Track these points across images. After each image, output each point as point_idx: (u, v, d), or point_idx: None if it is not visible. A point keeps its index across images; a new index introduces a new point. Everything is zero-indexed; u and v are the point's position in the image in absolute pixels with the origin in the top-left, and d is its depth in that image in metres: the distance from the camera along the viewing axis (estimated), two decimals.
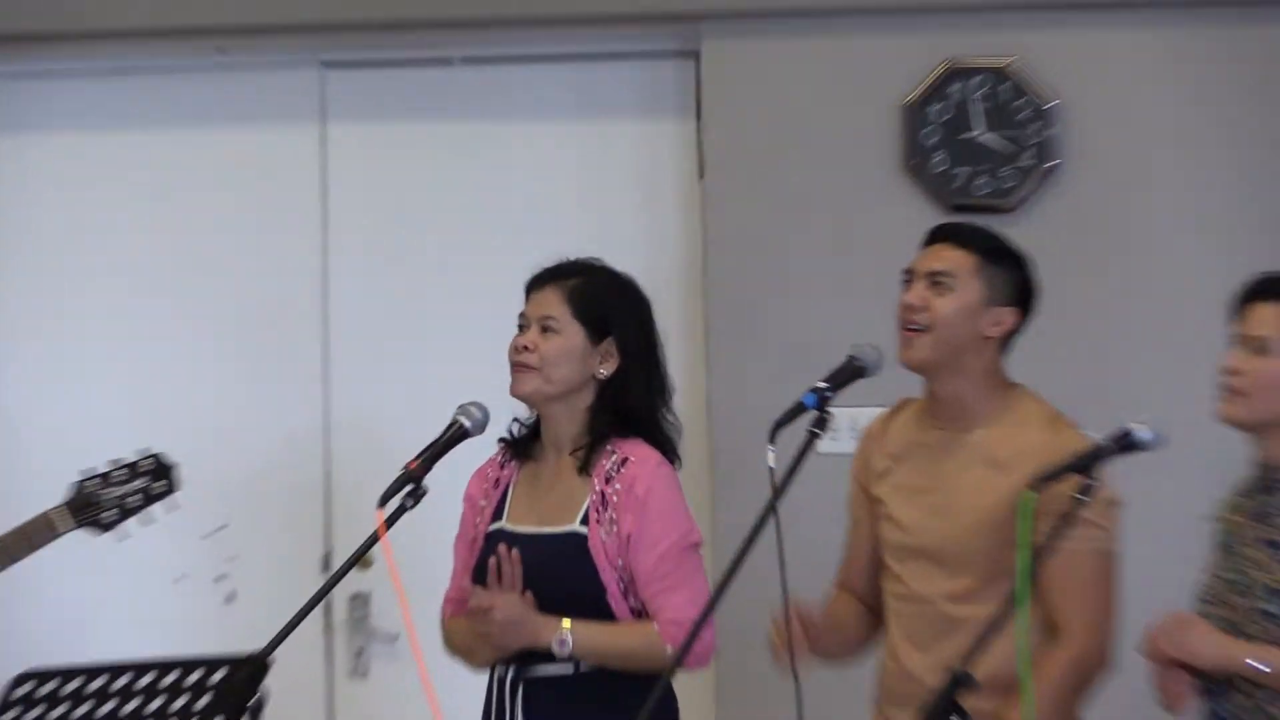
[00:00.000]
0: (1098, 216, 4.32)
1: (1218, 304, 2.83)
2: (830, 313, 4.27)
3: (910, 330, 2.93)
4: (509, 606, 2.93)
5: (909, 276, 2.95)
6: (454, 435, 2.86)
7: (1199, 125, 4.31)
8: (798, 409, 2.67)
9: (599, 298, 3.17)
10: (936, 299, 2.92)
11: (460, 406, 2.94)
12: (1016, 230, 3.42)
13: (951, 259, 2.94)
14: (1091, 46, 4.31)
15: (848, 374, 2.77)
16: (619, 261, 3.30)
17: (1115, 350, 4.28)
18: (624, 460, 3.08)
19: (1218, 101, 4.27)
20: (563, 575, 3.04)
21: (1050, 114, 4.31)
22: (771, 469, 2.57)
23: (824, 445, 2.69)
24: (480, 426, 2.92)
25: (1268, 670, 2.51)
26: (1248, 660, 2.53)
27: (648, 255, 4.34)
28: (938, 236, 3.02)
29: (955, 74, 4.36)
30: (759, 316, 4.38)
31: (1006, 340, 2.99)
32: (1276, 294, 2.69)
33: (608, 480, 3.07)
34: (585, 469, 3.09)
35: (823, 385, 2.69)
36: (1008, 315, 2.95)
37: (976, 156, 4.35)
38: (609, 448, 3.10)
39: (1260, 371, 2.62)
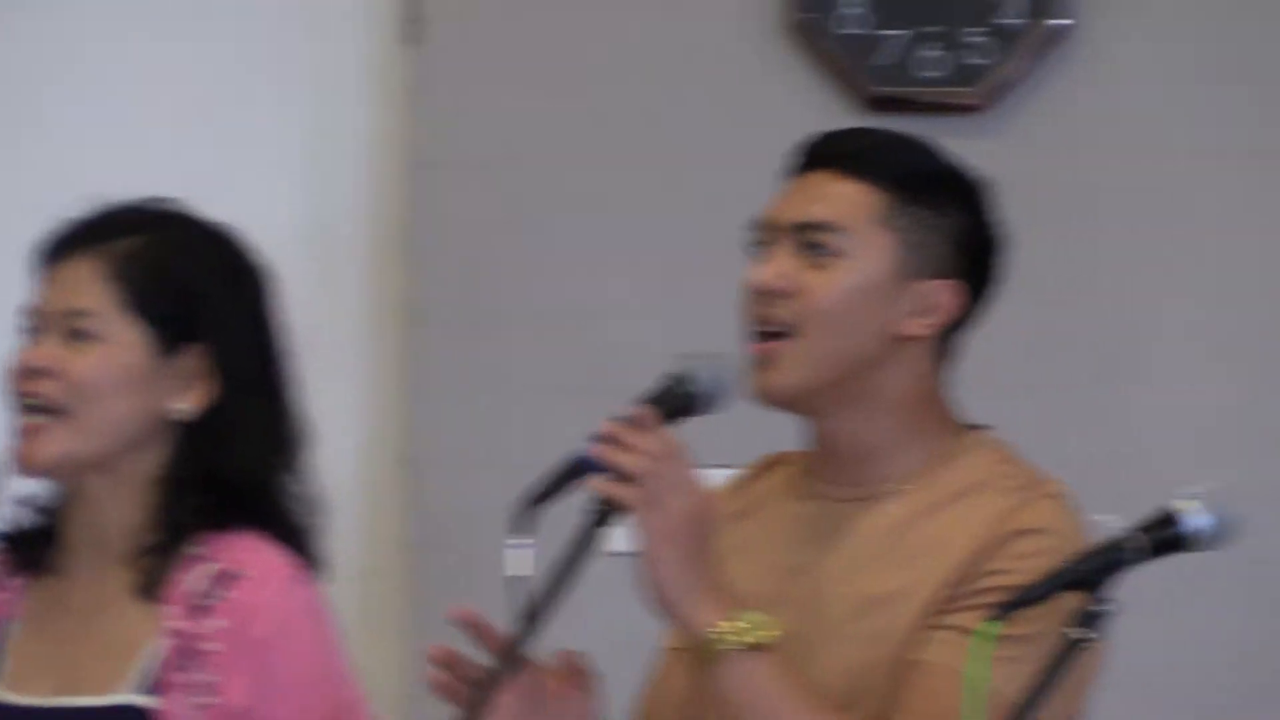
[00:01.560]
0: (1133, 118, 3.70)
1: None
2: (631, 298, 3.76)
3: (765, 339, 2.31)
4: None
5: (762, 237, 2.37)
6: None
7: None
8: (567, 473, 2.15)
9: (175, 272, 2.56)
10: (813, 275, 2.33)
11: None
12: (992, 146, 3.39)
13: (839, 200, 2.33)
14: None
15: (670, 405, 2.21)
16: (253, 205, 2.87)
17: (1143, 351, 3.73)
18: (228, 575, 2.46)
19: None
20: None
21: None
22: (521, 579, 2.09)
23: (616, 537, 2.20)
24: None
25: None
26: None
27: (303, 191, 3.91)
28: (813, 160, 2.38)
29: None
30: (498, 301, 3.87)
31: (947, 340, 2.37)
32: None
33: (197, 612, 2.43)
34: (151, 591, 2.42)
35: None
36: (946, 295, 2.33)
37: (921, 8, 3.73)
38: (197, 550, 2.49)
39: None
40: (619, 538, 2.18)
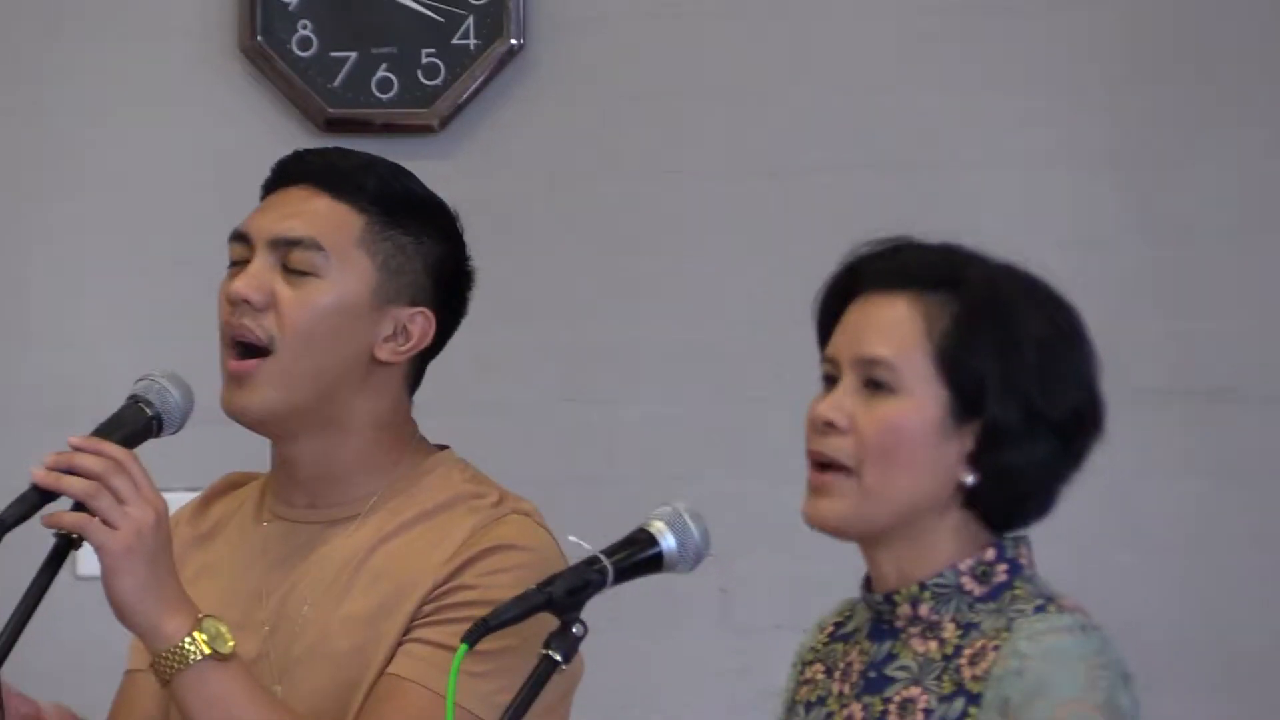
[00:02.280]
0: (588, 136, 3.78)
1: (786, 291, 2.91)
2: (101, 322, 3.72)
3: (241, 354, 2.28)
4: None
5: (242, 246, 2.33)
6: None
7: None
8: (31, 501, 2.12)
9: None
10: (290, 290, 2.31)
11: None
12: (443, 166, 3.40)
13: (319, 217, 2.31)
14: None
15: (129, 427, 2.23)
16: None
17: (612, 371, 3.76)
18: None
19: None
20: None
21: None
22: None
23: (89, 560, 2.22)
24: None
25: None
26: None
27: None
28: (293, 175, 2.37)
29: None
30: None
31: (419, 365, 2.40)
32: (903, 280, 2.17)
33: None
34: None
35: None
36: (417, 322, 2.35)
37: (374, 29, 3.74)
38: None
39: (878, 425, 2.13)
40: (91, 561, 2.17)
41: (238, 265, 2.31)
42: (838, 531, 2.15)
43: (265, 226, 2.31)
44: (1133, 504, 3.43)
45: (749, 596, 3.54)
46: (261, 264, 2.29)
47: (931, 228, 2.49)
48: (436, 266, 2.35)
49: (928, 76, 3.83)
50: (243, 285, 2.28)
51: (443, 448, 2.41)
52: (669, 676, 3.50)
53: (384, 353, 2.31)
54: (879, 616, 2.19)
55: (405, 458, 2.38)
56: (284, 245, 2.29)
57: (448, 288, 2.37)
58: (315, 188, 2.32)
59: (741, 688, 3.32)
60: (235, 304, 2.27)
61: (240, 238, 2.32)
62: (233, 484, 2.49)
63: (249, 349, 2.28)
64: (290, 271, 2.29)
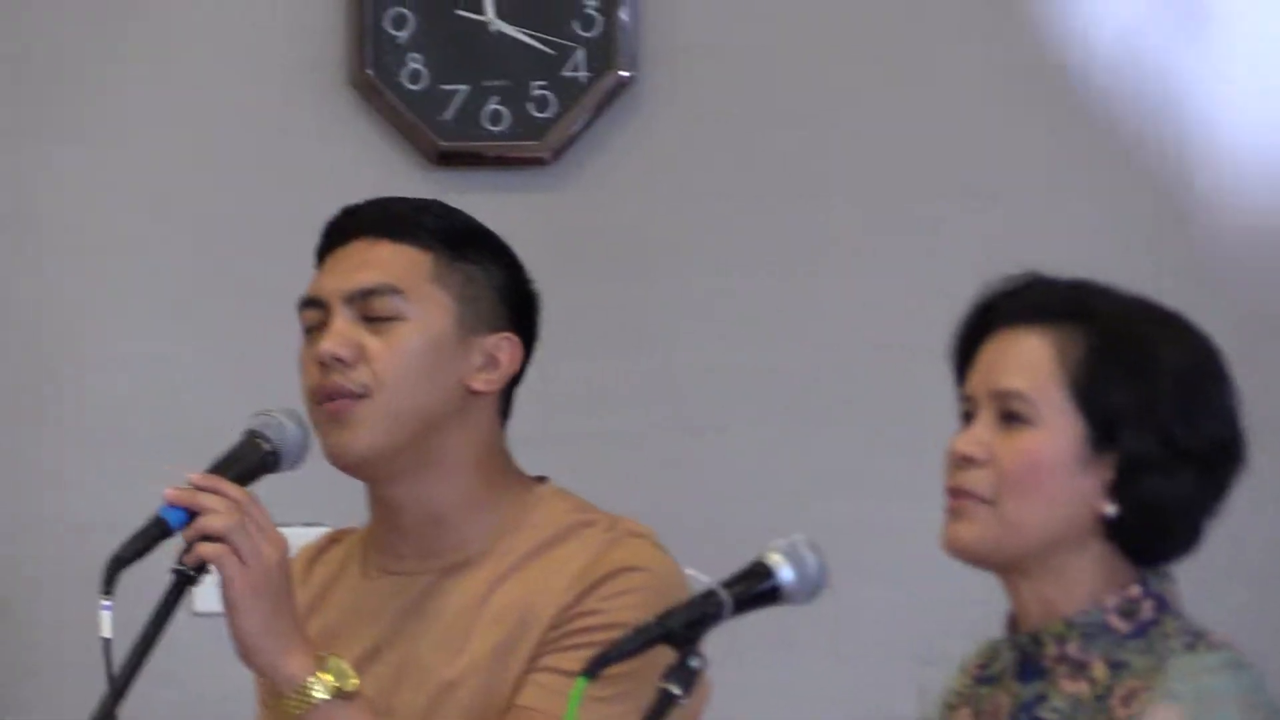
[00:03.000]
0: (704, 170, 3.73)
1: (917, 327, 3.08)
2: (205, 359, 3.70)
3: (336, 402, 2.34)
4: None
5: (317, 310, 2.36)
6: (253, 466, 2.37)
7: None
8: (154, 533, 2.18)
9: None
10: (373, 338, 2.35)
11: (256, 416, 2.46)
12: (559, 199, 3.61)
13: (389, 261, 2.38)
14: None
15: (247, 463, 2.27)
16: None
17: (731, 400, 3.73)
18: None
19: None
20: None
21: None
22: (108, 640, 2.11)
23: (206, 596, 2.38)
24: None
25: None
26: None
27: None
28: (347, 230, 2.42)
29: None
30: (69, 352, 3.76)
31: (507, 395, 2.44)
32: (1039, 314, 2.23)
33: None
34: None
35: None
36: (504, 348, 2.39)
37: (484, 62, 3.70)
38: None
39: (1017, 457, 2.19)
40: (209, 597, 2.28)
41: (314, 331, 2.34)
42: (976, 558, 2.20)
43: (337, 284, 2.35)
44: (1242, 540, 3.33)
45: (861, 625, 3.45)
46: (342, 321, 2.32)
47: (1050, 262, 2.42)
48: (506, 291, 2.39)
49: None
50: (331, 344, 2.30)
51: (541, 479, 2.42)
52: (782, 706, 3.49)
53: (478, 383, 2.35)
54: (1026, 657, 2.21)
55: (508, 493, 2.40)
56: (361, 297, 2.32)
57: (521, 311, 2.41)
58: (374, 237, 2.37)
59: (855, 717, 3.32)
60: (325, 364, 2.30)
61: (311, 303, 2.35)
62: (332, 540, 2.53)
63: (348, 395, 2.32)
64: (373, 320, 2.32)
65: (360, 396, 2.34)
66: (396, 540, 2.43)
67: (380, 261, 2.38)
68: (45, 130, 3.80)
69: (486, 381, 2.38)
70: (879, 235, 3.66)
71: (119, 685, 2.16)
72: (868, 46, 3.79)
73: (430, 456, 2.39)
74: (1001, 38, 3.85)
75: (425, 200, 2.53)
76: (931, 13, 3.76)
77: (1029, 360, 2.19)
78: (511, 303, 2.44)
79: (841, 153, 3.78)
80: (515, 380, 2.44)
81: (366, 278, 2.36)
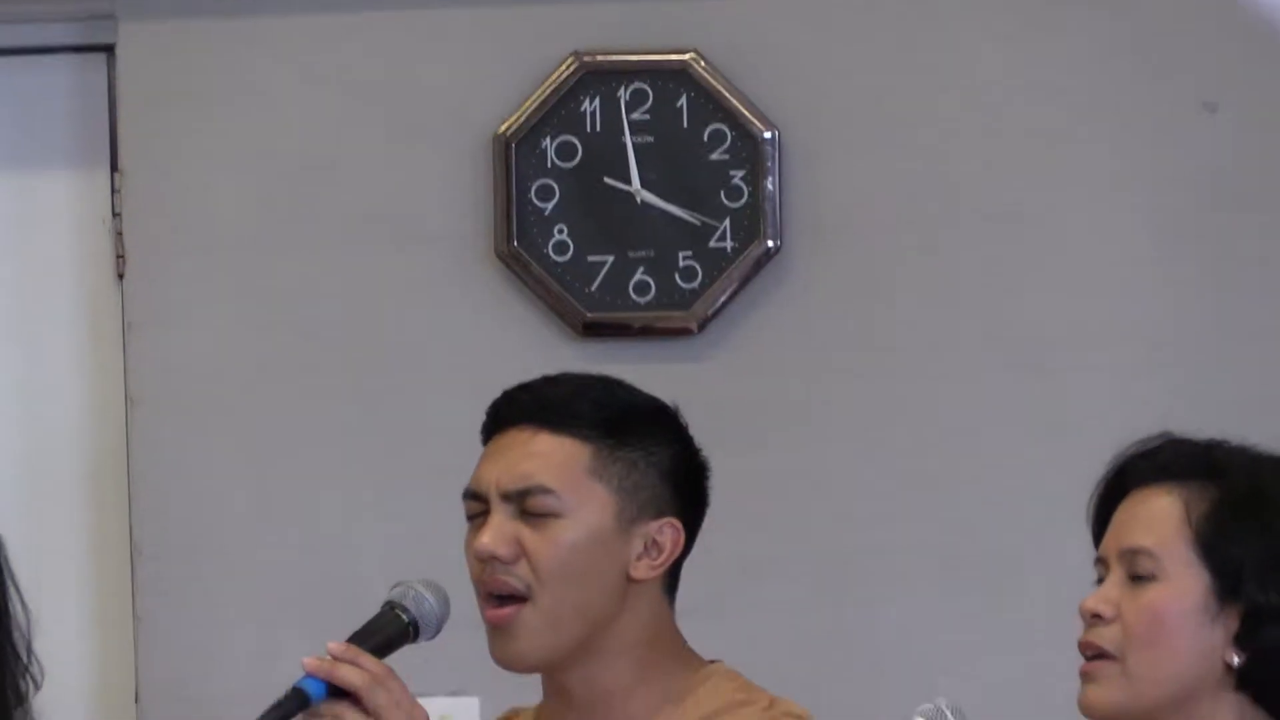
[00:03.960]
0: (849, 337, 3.77)
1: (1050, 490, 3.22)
2: (363, 524, 3.70)
3: (499, 605, 2.31)
4: None
5: (479, 505, 2.33)
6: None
7: (998, 169, 3.79)
8: (293, 703, 2.15)
9: None
10: (532, 535, 2.31)
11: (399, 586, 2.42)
12: (705, 369, 3.62)
13: (545, 459, 2.33)
14: (831, 31, 3.75)
15: (385, 635, 2.25)
16: None
17: (876, 561, 3.76)
18: None
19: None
20: None
21: (765, 152, 3.65)
22: None
23: None
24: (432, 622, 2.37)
25: None
26: None
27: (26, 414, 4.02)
28: (513, 415, 2.38)
29: (590, 77, 3.65)
30: (221, 524, 3.76)
31: (674, 573, 2.39)
32: (1166, 474, 2.25)
33: None
34: None
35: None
36: (666, 533, 2.34)
37: (631, 232, 3.70)
38: None
39: (1144, 613, 2.21)
40: None
41: (475, 519, 2.33)
42: (1113, 717, 2.22)
43: (494, 480, 2.33)
44: None
45: None
46: (500, 516, 2.31)
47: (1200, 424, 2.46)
48: (672, 473, 2.37)
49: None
50: (489, 541, 2.30)
51: (713, 661, 2.40)
52: None
53: (639, 571, 2.33)
54: None
55: (677, 670, 2.38)
56: (516, 496, 2.31)
57: (687, 489, 2.39)
58: (534, 427, 2.36)
59: None
60: (484, 560, 2.30)
61: (473, 495, 2.35)
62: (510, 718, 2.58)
63: (507, 598, 2.31)
64: (530, 516, 2.31)
65: (522, 597, 2.34)
66: (566, 716, 2.44)
67: (537, 456, 2.38)
68: (195, 306, 3.82)
69: (649, 568, 2.38)
70: (1023, 400, 3.65)
71: None
72: (1008, 221, 3.77)
73: (596, 645, 2.40)
74: (1143, 192, 3.78)
75: (587, 382, 2.50)
76: (1069, 185, 3.75)
77: (1157, 518, 2.21)
78: (675, 483, 2.42)
79: (983, 321, 3.76)
80: (680, 560, 2.43)
81: (521, 476, 2.36)
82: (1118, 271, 3.83)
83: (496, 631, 2.33)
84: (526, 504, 2.31)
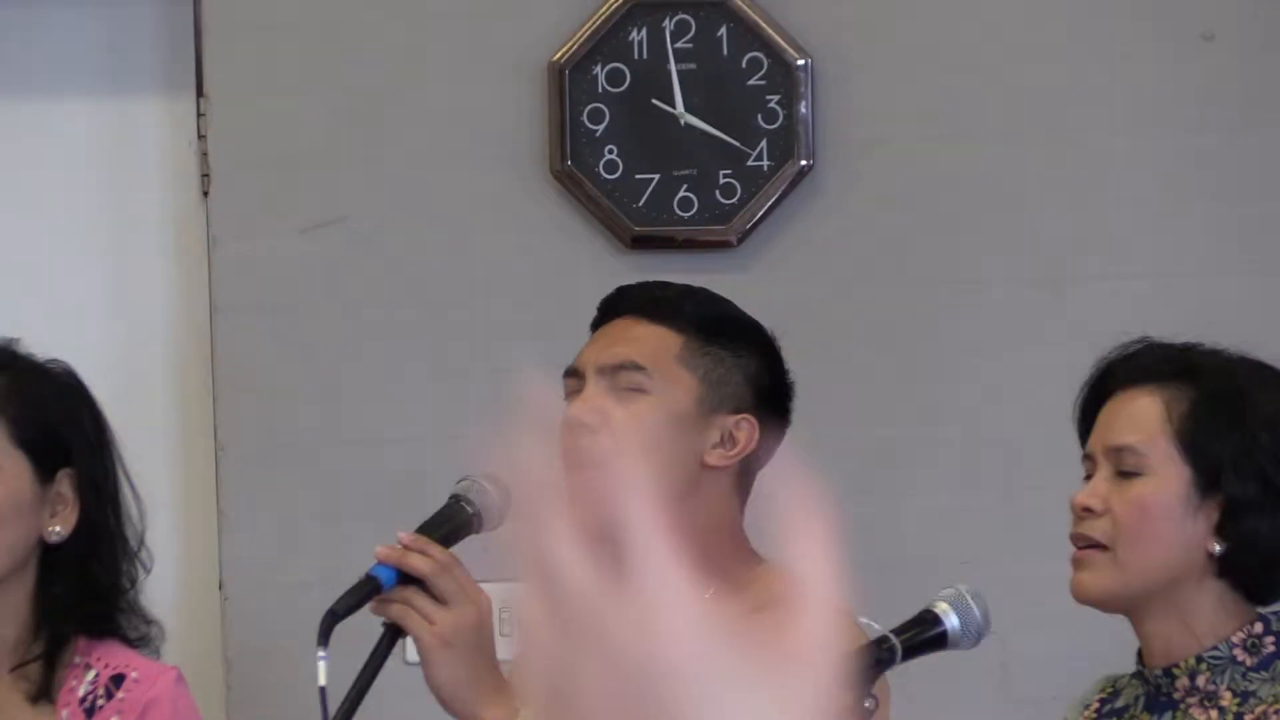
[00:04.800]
0: (874, 251, 3.87)
1: (1048, 397, 3.08)
2: (433, 419, 3.78)
3: (582, 469, 1.63)
4: None
5: (575, 379, 2.61)
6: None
7: (1015, 96, 3.88)
8: (365, 590, 2.43)
9: (44, 405, 2.85)
10: (622, 408, 2.59)
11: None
12: (742, 280, 3.58)
13: (643, 340, 2.63)
14: None
15: (451, 525, 2.51)
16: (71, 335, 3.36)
17: (896, 460, 3.88)
18: (117, 677, 2.79)
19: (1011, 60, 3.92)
20: None
21: (799, 77, 3.76)
22: (323, 689, 2.37)
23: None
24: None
25: None
26: None
27: (119, 323, 4.01)
28: (617, 307, 2.69)
29: (637, 10, 3.76)
30: (301, 423, 3.90)
31: (748, 474, 2.61)
32: (1149, 376, 2.50)
33: (91, 712, 2.77)
34: (43, 695, 2.75)
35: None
36: (743, 428, 2.59)
37: (675, 152, 3.81)
38: (78, 658, 2.81)
39: (1131, 505, 2.44)
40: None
41: (570, 396, 2.57)
42: (1101, 603, 2.49)
43: (592, 359, 2.58)
44: None
45: (1028, 671, 3.59)
46: (593, 389, 2.56)
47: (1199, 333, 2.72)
48: (756, 378, 2.59)
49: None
50: (576, 409, 2.53)
51: (773, 560, 2.54)
52: None
53: (713, 458, 2.56)
54: (1157, 690, 2.47)
55: (736, 562, 2.57)
56: (610, 371, 2.56)
57: (769, 397, 2.61)
58: (636, 317, 2.61)
59: None
60: (573, 428, 2.49)
61: (572, 373, 2.59)
62: None
63: (585, 466, 2.52)
64: (621, 390, 2.55)
65: (595, 466, 2.53)
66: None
67: (633, 340, 2.63)
68: (274, 220, 3.97)
69: (723, 457, 2.58)
70: (1042, 313, 3.79)
71: None
72: (1031, 139, 3.90)
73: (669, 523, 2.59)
74: (1166, 126, 3.92)
75: (693, 288, 2.76)
76: (1092, 104, 3.87)
77: (1140, 417, 2.45)
78: (758, 388, 2.64)
79: (1007, 238, 3.91)
80: (757, 460, 2.64)
81: (616, 354, 2.61)
82: (1131, 190, 3.89)
83: (579, 497, 2.54)
84: (618, 379, 2.56)
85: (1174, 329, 2.73)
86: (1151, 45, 3.89)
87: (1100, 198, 3.81)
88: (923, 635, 2.39)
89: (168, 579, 3.46)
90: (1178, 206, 3.87)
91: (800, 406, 3.24)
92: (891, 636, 2.37)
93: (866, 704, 2.33)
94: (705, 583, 2.00)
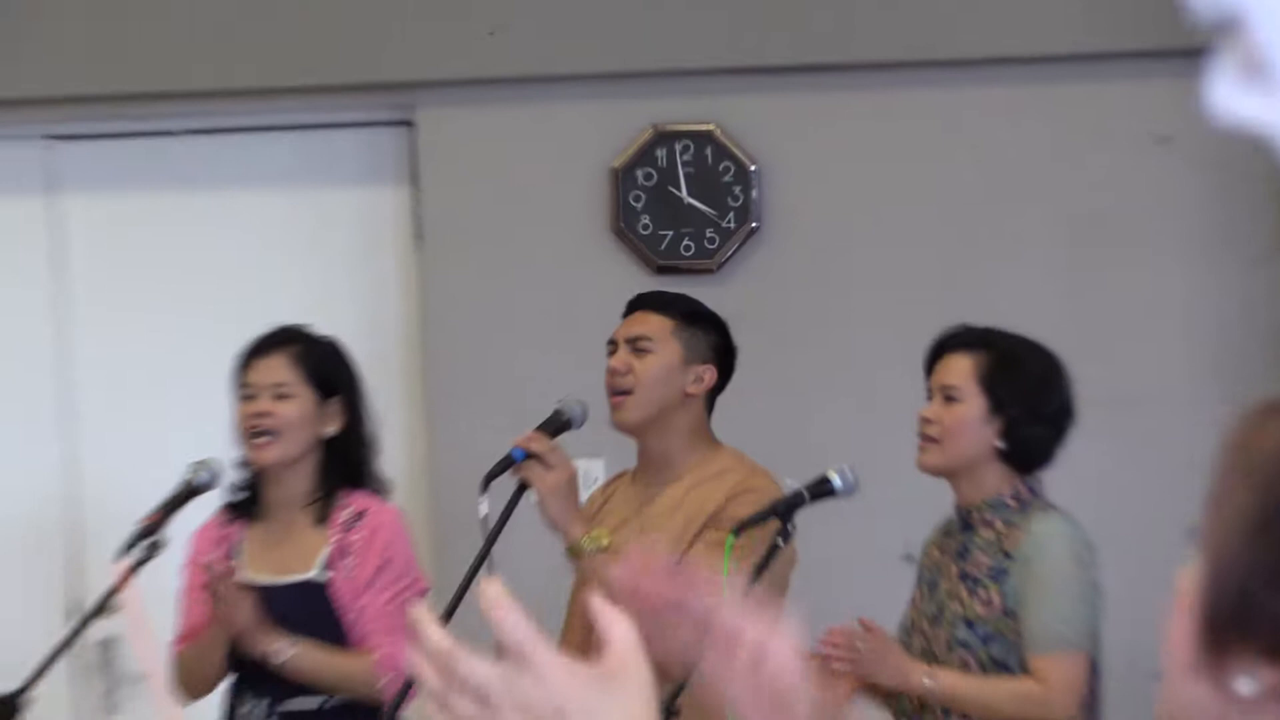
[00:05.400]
0: (798, 276, 4.54)
1: (913, 358, 3.24)
2: (546, 369, 4.41)
3: (617, 395, 3.21)
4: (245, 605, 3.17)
5: (613, 345, 3.22)
6: (187, 491, 3.24)
7: (896, 187, 4.55)
8: (507, 462, 2.97)
9: (325, 360, 3.45)
10: (639, 362, 3.18)
11: (191, 464, 3.32)
12: (720, 291, 3.96)
13: (650, 323, 3.24)
14: (790, 111, 4.55)
15: (555, 426, 3.07)
16: (340, 324, 3.71)
17: (816, 404, 4.50)
18: (361, 512, 3.40)
19: (911, 161, 4.53)
20: (302, 620, 3.31)
21: (751, 177, 4.49)
22: (484, 518, 2.86)
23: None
24: (211, 483, 3.31)
25: (933, 685, 2.83)
26: (922, 679, 2.83)
27: (368, 317, 4.66)
28: (637, 305, 3.33)
29: (661, 138, 4.53)
30: (478, 374, 4.57)
31: (710, 397, 3.27)
32: (965, 345, 2.94)
33: (347, 530, 3.39)
34: (322, 521, 3.39)
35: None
36: (707, 373, 3.21)
37: (681, 218, 4.52)
38: (341, 500, 3.42)
39: (952, 419, 2.88)
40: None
41: (611, 356, 3.24)
42: (935, 471, 2.97)
43: (622, 333, 3.27)
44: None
45: (901, 523, 3.86)
46: (624, 352, 3.25)
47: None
48: (715, 344, 3.29)
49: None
50: (615, 362, 3.24)
51: (725, 445, 3.29)
52: (858, 582, 3.98)
53: (691, 389, 3.24)
54: (964, 520, 2.99)
55: (705, 447, 3.28)
56: (632, 340, 3.23)
57: (722, 354, 3.32)
58: (647, 310, 3.32)
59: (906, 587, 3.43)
60: (613, 375, 3.22)
61: (611, 342, 3.27)
62: (620, 474, 3.48)
63: (623, 392, 3.24)
64: (637, 352, 3.21)
65: (629, 392, 3.22)
66: (645, 466, 3.31)
67: (645, 323, 3.27)
68: (479, 156, 4.57)
69: (696, 389, 3.23)
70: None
71: (486, 548, 2.95)
72: (930, 202, 4.48)
73: (665, 425, 3.26)
74: (1067, 190, 4.44)
75: (682, 294, 3.38)
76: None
77: (959, 368, 2.94)
78: (717, 349, 3.30)
79: (891, 271, 4.47)
80: (716, 392, 3.30)
81: (636, 330, 3.27)
82: (1038, 264, 4.41)
83: (616, 410, 3.22)
84: (637, 345, 3.21)
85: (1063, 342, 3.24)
86: (1078, 145, 4.44)
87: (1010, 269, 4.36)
88: (821, 490, 2.93)
89: (390, 463, 3.79)
90: (1079, 275, 4.44)
91: (749, 376, 3.60)
92: (804, 490, 2.94)
93: (790, 528, 2.84)
94: (690, 458, 3.12)
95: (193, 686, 3.44)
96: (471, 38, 4.43)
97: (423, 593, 3.40)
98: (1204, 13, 0.89)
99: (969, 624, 2.89)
